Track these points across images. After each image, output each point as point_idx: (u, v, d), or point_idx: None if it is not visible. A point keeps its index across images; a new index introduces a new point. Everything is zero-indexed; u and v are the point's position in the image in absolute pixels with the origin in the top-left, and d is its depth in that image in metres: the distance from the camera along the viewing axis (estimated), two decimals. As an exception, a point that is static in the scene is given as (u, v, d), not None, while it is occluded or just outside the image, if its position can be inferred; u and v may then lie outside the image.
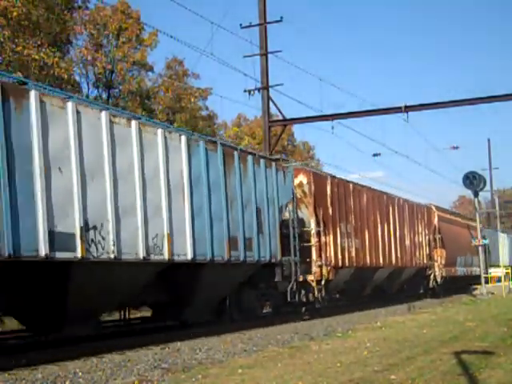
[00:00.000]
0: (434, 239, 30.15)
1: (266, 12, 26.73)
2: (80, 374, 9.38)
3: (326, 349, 11.47)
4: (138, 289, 13.18)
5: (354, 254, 21.06)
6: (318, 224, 18.88)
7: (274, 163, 17.11)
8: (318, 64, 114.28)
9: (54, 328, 12.20)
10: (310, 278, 18.44)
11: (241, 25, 26.68)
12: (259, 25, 26.68)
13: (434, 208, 31.38)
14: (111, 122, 11.91)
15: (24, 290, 11.40)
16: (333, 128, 25.59)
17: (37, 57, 26.54)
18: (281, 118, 28.04)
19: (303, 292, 18.07)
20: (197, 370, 9.52)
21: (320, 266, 18.77)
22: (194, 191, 13.84)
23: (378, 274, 23.83)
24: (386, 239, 24.12)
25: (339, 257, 19.96)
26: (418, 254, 27.88)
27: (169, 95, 37.33)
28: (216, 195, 14.53)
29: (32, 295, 11.53)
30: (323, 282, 18.91)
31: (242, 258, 15.20)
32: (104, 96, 35.45)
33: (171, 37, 27.14)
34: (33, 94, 10.46)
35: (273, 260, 16.52)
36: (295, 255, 17.27)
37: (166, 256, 12.88)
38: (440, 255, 30.26)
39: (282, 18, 26.57)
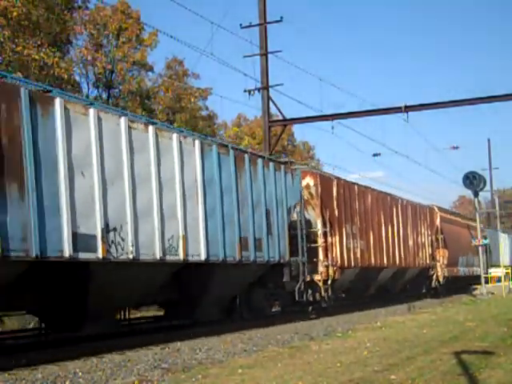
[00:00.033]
0: (437, 239, 30.96)
1: (265, 12, 27.09)
2: (80, 374, 9.49)
3: (326, 349, 11.62)
4: (155, 288, 13.86)
5: (359, 254, 21.83)
6: (324, 225, 19.63)
7: (282, 166, 17.82)
8: (318, 64, 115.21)
9: (73, 326, 12.85)
10: (317, 277, 19.17)
11: (241, 25, 27.07)
12: (259, 25, 27.04)
13: (436, 209, 32.18)
14: (130, 128, 12.55)
15: (47, 290, 12.04)
16: (333, 128, 26.05)
17: (37, 57, 26.64)
18: (281, 117, 28.42)
19: (310, 291, 18.77)
20: (197, 369, 9.62)
21: (326, 266, 19.52)
22: (208, 194, 14.50)
23: (382, 274, 24.63)
24: (390, 240, 24.91)
25: (345, 257, 20.72)
26: (420, 254, 28.70)
27: (169, 95, 37.44)
28: (228, 197, 15.20)
29: (54, 294, 12.17)
30: (329, 282, 19.66)
31: (252, 259, 15.88)
32: (104, 96, 35.74)
33: (171, 37, 27.38)
34: (58, 101, 11.10)
35: (282, 260, 17.21)
36: (303, 255, 18.00)
37: (181, 256, 13.54)
38: (442, 255, 31.07)
39: (282, 18, 26.97)
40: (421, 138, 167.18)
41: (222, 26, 51.43)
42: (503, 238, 47.03)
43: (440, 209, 33.33)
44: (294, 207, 18.01)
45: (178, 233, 13.52)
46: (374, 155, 34.26)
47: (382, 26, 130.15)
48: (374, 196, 24.06)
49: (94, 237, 11.55)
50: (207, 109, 42.23)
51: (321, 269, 19.32)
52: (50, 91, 11.65)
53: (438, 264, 30.90)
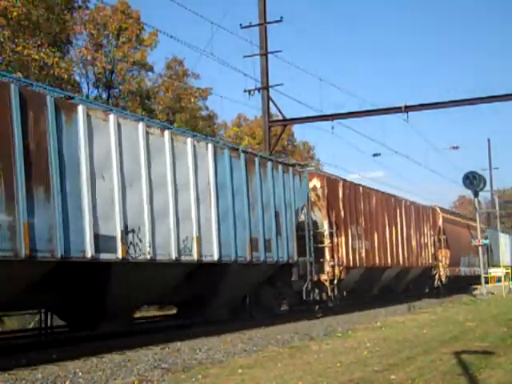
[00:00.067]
0: (439, 240, 31.79)
1: (266, 12, 27.47)
2: (80, 374, 9.60)
3: (326, 349, 11.75)
4: (169, 289, 14.52)
5: (364, 254, 22.60)
6: (330, 226, 20.38)
7: (290, 168, 18.55)
8: (318, 64, 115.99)
9: (91, 325, 13.51)
10: (324, 277, 19.90)
11: (241, 25, 27.43)
12: (259, 25, 27.42)
13: (438, 209, 33.04)
14: (147, 133, 13.23)
15: (68, 289, 12.69)
16: (333, 128, 26.46)
17: (37, 57, 26.90)
18: (281, 117, 28.84)
19: (317, 291, 19.49)
20: (197, 369, 9.72)
21: (332, 266, 20.26)
22: (220, 196, 15.19)
23: (386, 274, 25.42)
24: (394, 240, 25.71)
25: (350, 257, 21.49)
26: (423, 254, 29.53)
27: (169, 95, 37.73)
28: (239, 199, 15.89)
29: (75, 293, 12.82)
30: (336, 282, 20.40)
31: (262, 259, 16.58)
32: (104, 96, 36.16)
33: (171, 37, 28.02)
34: (80, 108, 11.77)
35: (290, 260, 17.93)
36: (310, 256, 18.73)
37: (195, 257, 14.21)
38: (444, 255, 31.90)
39: (282, 18, 27.31)
40: (421, 138, 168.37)
41: (222, 26, 51.98)
42: (503, 238, 47.66)
43: (442, 209, 34.20)
44: (302, 209, 18.72)
45: (192, 234, 14.18)
46: (374, 155, 34.75)
47: (382, 25, 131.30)
48: (379, 197, 24.86)
49: (114, 238, 12.19)
50: (207, 109, 42.65)
51: (327, 269, 20.06)
52: (73, 98, 12.32)
53: (441, 264, 31.73)
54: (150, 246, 12.98)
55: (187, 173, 14.29)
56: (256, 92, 27.22)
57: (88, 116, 11.87)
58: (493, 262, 41.31)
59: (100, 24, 35.01)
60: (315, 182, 20.25)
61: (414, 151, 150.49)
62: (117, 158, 12.39)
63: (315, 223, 19.75)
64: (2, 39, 26.29)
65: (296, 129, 52.24)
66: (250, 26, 27.50)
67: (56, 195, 11.03)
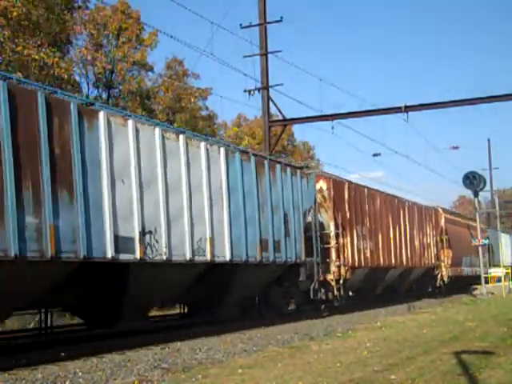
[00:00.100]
0: (441, 240, 32.64)
1: (265, 12, 27.89)
2: (80, 374, 9.72)
3: (326, 349, 11.89)
4: (183, 288, 15.22)
5: (368, 254, 23.39)
6: (336, 227, 21.16)
7: (298, 170, 19.30)
8: (318, 64, 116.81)
9: (107, 323, 14.19)
10: (330, 277, 20.67)
11: (241, 25, 27.80)
12: (259, 25, 27.83)
13: (440, 210, 33.89)
14: (163, 137, 13.94)
15: (89, 288, 13.37)
16: (333, 128, 26.85)
17: (37, 57, 27.14)
18: (281, 117, 29.29)
19: (323, 290, 20.23)
20: (197, 369, 9.84)
21: (338, 266, 21.03)
22: (231, 198, 15.91)
23: (390, 274, 26.24)
24: (398, 240, 26.54)
25: (355, 257, 22.27)
26: (426, 254, 30.37)
27: (169, 95, 38.00)
28: (250, 201, 16.60)
29: (95, 293, 13.50)
30: (341, 281, 21.16)
31: (271, 259, 17.31)
32: (104, 96, 36.58)
33: (171, 37, 28.08)
34: (101, 114, 12.46)
35: (298, 261, 18.68)
36: (317, 256, 19.47)
37: (208, 257, 14.92)
38: (447, 255, 32.74)
39: (282, 18, 27.66)
40: (421, 138, 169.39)
41: (222, 26, 52.45)
42: (504, 238, 48.33)
43: (444, 210, 35.05)
44: (309, 210, 19.46)
45: (205, 235, 14.89)
46: (374, 155, 35.11)
47: (382, 25, 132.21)
48: (383, 198, 25.67)
49: (133, 239, 12.87)
50: (207, 109, 42.90)
51: (333, 269, 20.83)
52: (93, 104, 13.00)
53: (443, 264, 32.57)
54: (166, 247, 13.65)
55: (201, 176, 14.99)
56: (256, 92, 27.64)
57: (108, 122, 12.53)
58: (494, 262, 42.08)
59: (100, 24, 35.14)
60: (322, 184, 21.02)
61: (414, 151, 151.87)
62: (135, 162, 13.06)
63: (322, 224, 20.52)
64: (2, 39, 26.43)
65: (296, 129, 52.85)
66: (250, 26, 27.91)
67: (79, 198, 11.67)
